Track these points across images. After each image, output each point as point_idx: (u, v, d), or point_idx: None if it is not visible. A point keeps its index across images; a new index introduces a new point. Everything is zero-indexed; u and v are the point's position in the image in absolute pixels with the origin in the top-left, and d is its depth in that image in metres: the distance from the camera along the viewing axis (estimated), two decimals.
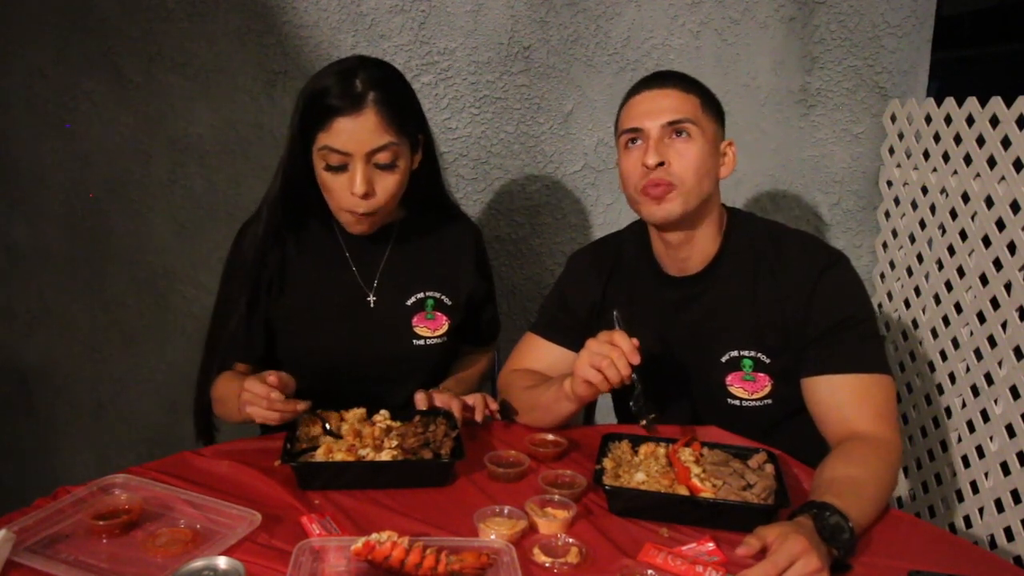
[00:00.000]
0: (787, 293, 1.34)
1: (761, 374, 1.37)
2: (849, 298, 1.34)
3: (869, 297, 1.39)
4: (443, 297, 1.52)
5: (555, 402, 1.35)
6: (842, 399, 1.27)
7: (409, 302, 1.50)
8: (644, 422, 1.23)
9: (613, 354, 1.19)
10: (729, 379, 1.38)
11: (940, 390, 2.01)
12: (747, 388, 1.37)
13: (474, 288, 1.57)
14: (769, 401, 1.37)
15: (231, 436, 1.38)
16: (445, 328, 1.51)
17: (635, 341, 1.21)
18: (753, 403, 1.37)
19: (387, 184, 1.34)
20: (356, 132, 1.28)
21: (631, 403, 1.25)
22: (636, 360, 1.19)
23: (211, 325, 1.47)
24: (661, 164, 1.31)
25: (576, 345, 1.31)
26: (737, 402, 1.38)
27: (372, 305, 1.48)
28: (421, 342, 1.50)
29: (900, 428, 1.56)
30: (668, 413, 1.35)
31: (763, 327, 1.36)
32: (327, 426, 1.26)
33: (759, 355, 1.36)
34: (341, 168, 1.31)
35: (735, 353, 1.38)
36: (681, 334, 1.42)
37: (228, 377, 1.41)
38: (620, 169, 1.41)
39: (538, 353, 1.54)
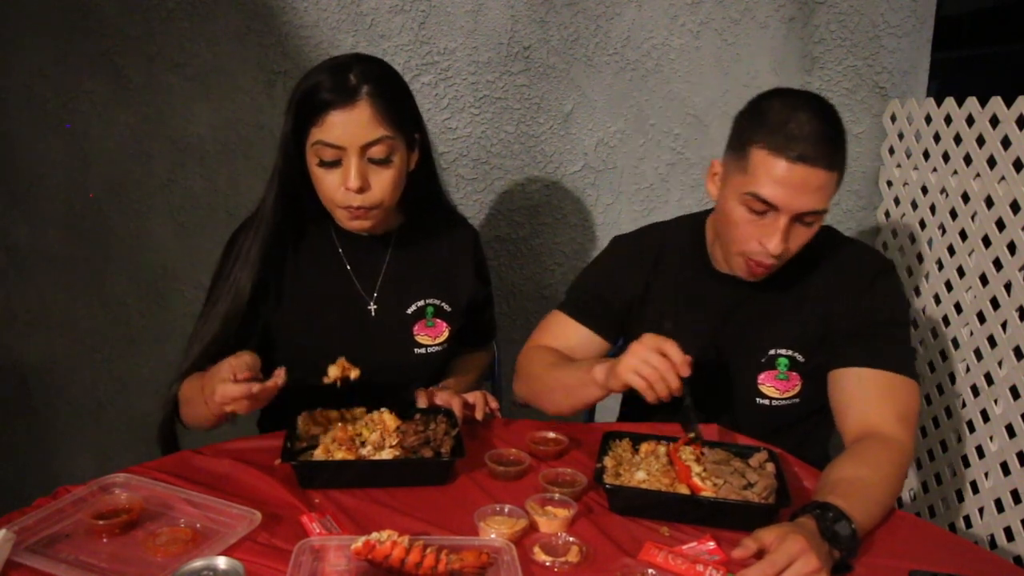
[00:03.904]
0: (838, 293, 1.35)
1: (794, 373, 1.37)
2: (893, 304, 1.35)
3: (909, 307, 1.40)
4: (443, 304, 1.50)
5: (581, 386, 1.32)
6: (867, 392, 1.27)
7: (410, 310, 1.48)
8: (692, 436, 1.20)
9: (663, 366, 1.15)
10: (762, 378, 1.38)
11: (940, 390, 2.01)
12: (779, 387, 1.37)
13: (474, 293, 1.56)
14: (797, 400, 1.38)
15: (232, 436, 1.37)
16: (445, 336, 1.50)
17: (688, 357, 1.16)
18: (782, 402, 1.37)
19: (382, 179, 1.30)
20: (349, 125, 1.25)
21: (678, 414, 1.22)
22: (686, 373, 1.15)
23: (195, 329, 1.39)
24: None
25: (606, 332, 1.26)
26: (767, 401, 1.37)
27: (373, 314, 1.46)
28: (422, 350, 1.48)
29: (916, 435, 1.54)
30: None
31: (806, 326, 1.36)
32: (348, 378, 1.24)
33: (795, 354, 1.37)
34: (335, 163, 1.28)
35: (772, 352, 1.38)
36: (727, 331, 1.41)
37: (193, 378, 1.34)
38: (727, 215, 1.30)
39: (564, 332, 1.50)
